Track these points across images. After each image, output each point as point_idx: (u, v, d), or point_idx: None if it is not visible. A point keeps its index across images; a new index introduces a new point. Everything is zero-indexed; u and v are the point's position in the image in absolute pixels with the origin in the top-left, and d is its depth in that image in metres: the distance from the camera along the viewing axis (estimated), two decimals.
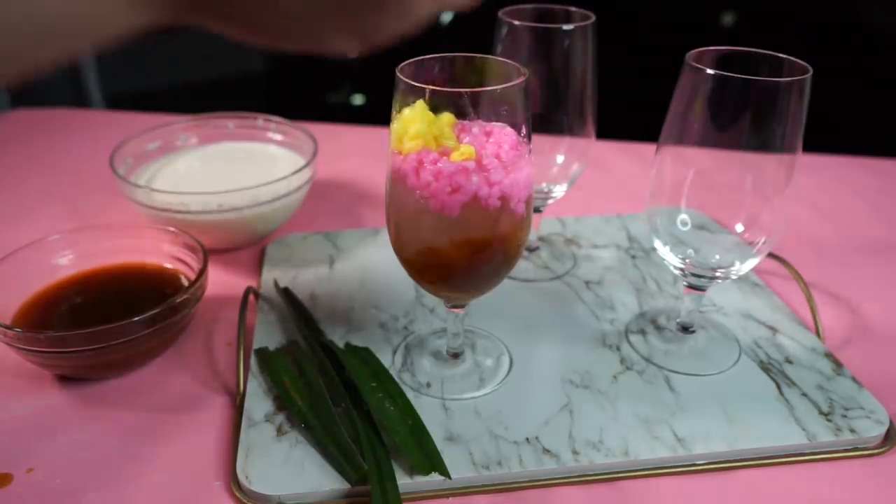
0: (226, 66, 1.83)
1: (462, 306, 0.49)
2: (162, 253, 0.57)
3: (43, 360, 0.48)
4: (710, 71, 0.43)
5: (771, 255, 0.62)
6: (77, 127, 0.97)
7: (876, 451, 0.46)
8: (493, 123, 0.41)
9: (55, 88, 1.74)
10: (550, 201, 0.62)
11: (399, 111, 0.41)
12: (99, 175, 0.78)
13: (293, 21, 0.27)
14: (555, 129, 0.57)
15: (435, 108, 0.40)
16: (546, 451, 0.44)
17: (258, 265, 0.65)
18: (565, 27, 0.53)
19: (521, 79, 0.40)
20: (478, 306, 0.55)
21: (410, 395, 0.48)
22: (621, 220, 0.73)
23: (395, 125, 0.41)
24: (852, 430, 0.46)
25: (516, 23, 0.54)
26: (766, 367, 0.52)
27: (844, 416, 0.47)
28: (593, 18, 0.54)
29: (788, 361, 0.52)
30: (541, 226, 0.69)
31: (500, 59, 0.43)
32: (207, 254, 0.54)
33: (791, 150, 0.45)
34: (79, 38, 0.25)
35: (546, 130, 0.57)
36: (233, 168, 0.71)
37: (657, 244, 0.51)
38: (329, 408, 0.46)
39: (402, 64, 0.41)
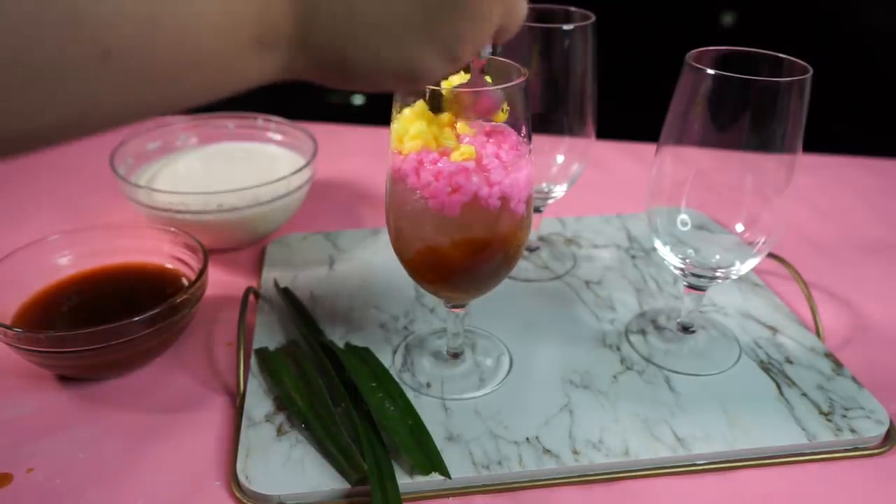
0: None
1: (462, 306, 0.49)
2: (162, 253, 0.57)
3: (43, 360, 0.48)
4: (710, 71, 0.43)
5: (771, 255, 0.62)
6: None
7: (876, 451, 0.46)
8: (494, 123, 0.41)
9: None
10: (550, 201, 0.62)
11: (399, 111, 0.41)
12: (99, 175, 0.78)
13: (385, 44, 0.30)
14: (555, 129, 0.57)
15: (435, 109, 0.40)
16: (546, 451, 0.44)
17: (258, 265, 0.65)
18: (565, 27, 0.53)
19: (522, 79, 0.40)
20: (478, 306, 0.55)
21: (410, 395, 0.48)
22: (621, 220, 0.73)
23: (396, 125, 0.41)
24: (852, 430, 0.46)
25: None
26: (766, 367, 0.52)
27: (844, 416, 0.47)
28: (593, 18, 0.54)
29: (788, 361, 0.52)
30: (541, 226, 0.69)
31: (501, 58, 0.43)
32: (207, 254, 0.54)
33: (791, 150, 0.45)
34: (214, 78, 0.27)
35: (546, 130, 0.57)
36: (233, 168, 0.71)
37: (657, 244, 0.51)
38: (329, 408, 0.46)
39: None
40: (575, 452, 0.44)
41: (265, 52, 0.27)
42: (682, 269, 0.50)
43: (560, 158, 0.59)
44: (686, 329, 0.55)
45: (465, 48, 0.32)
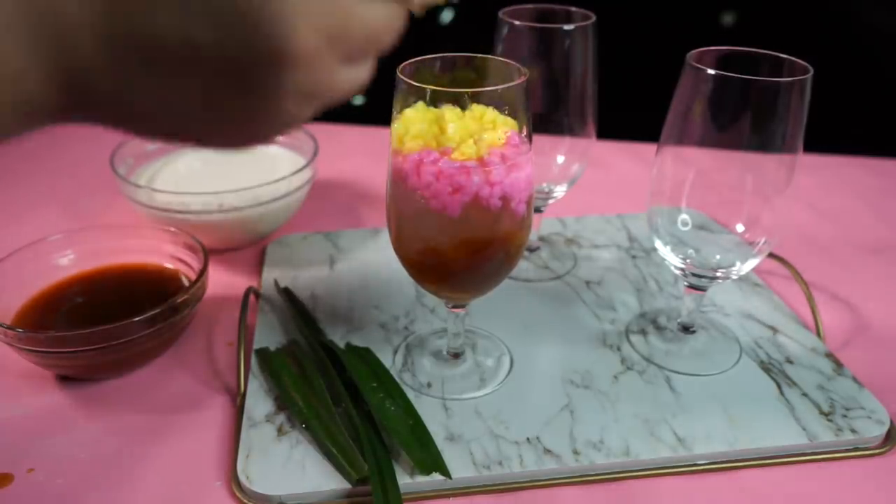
0: None
1: (463, 306, 0.49)
2: (162, 253, 0.57)
3: (44, 361, 0.48)
4: (710, 71, 0.43)
5: (771, 255, 0.62)
6: (77, 127, 0.97)
7: (877, 451, 0.46)
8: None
9: None
10: (551, 201, 0.62)
11: (400, 111, 0.41)
12: (99, 175, 0.78)
13: (182, 130, 0.29)
14: (555, 129, 0.57)
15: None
16: (547, 451, 0.44)
17: (258, 265, 0.65)
18: (566, 27, 0.53)
19: (522, 79, 0.40)
20: (478, 306, 0.55)
21: (411, 395, 0.48)
22: (622, 220, 0.73)
23: (396, 125, 0.41)
24: (853, 430, 0.46)
25: (517, 23, 0.54)
26: (766, 367, 0.52)
27: (845, 416, 0.47)
28: (594, 18, 0.54)
29: (789, 361, 0.52)
30: (541, 226, 0.69)
31: (501, 58, 0.43)
32: (208, 254, 0.54)
33: (791, 151, 0.45)
34: None
35: (546, 130, 0.57)
36: (233, 168, 0.71)
37: (658, 244, 0.51)
38: (330, 408, 0.46)
39: (403, 64, 0.41)
40: (576, 452, 0.44)
41: (33, 119, 0.27)
42: (682, 270, 0.50)
43: (560, 158, 0.59)
44: (686, 329, 0.55)
45: (263, 139, 0.31)
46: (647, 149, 0.60)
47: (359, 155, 0.87)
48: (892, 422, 0.47)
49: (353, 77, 0.31)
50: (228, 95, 0.28)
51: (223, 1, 0.25)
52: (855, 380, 0.50)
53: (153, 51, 0.26)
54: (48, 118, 0.28)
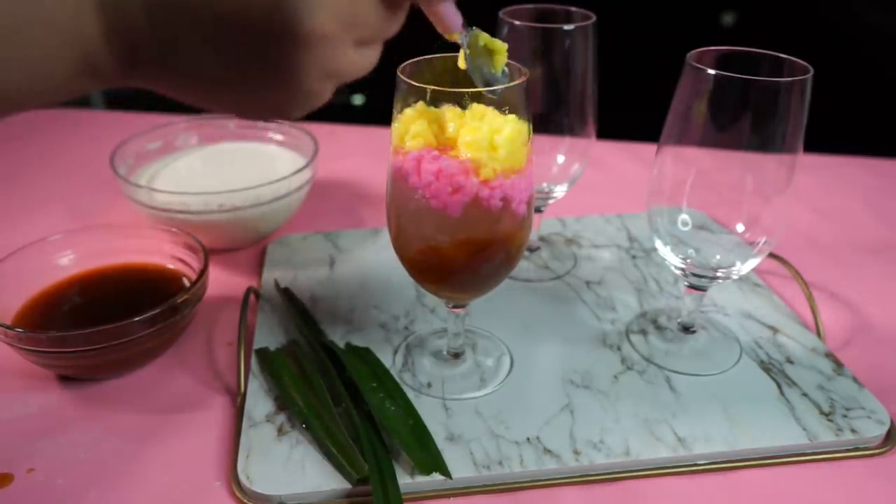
0: None
1: (463, 306, 0.49)
2: (163, 253, 0.57)
3: (44, 360, 0.48)
4: (710, 71, 0.43)
5: (771, 256, 0.62)
6: (77, 127, 0.97)
7: (877, 451, 0.46)
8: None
9: None
10: (551, 201, 0.62)
11: (400, 111, 0.41)
12: (99, 175, 0.78)
13: (217, 95, 0.33)
14: (555, 129, 0.57)
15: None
16: (547, 451, 0.44)
17: (258, 265, 0.65)
18: (566, 27, 0.53)
19: (522, 79, 0.40)
20: (478, 306, 0.55)
21: (411, 395, 0.48)
22: (622, 220, 0.73)
23: (397, 124, 0.41)
24: (853, 430, 0.46)
25: (517, 23, 0.54)
26: (766, 367, 0.52)
27: (845, 416, 0.47)
28: (594, 18, 0.54)
29: (789, 361, 0.52)
30: (541, 226, 0.69)
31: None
32: (208, 254, 0.54)
33: (791, 151, 0.45)
34: (27, 104, 0.30)
35: (547, 130, 0.57)
36: (233, 168, 0.71)
37: (658, 244, 0.51)
38: (330, 408, 0.46)
39: (403, 64, 0.41)
40: (576, 452, 0.44)
41: (85, 80, 0.31)
42: (682, 270, 0.50)
43: (561, 158, 0.59)
44: (687, 329, 0.55)
45: (290, 115, 0.34)
46: (647, 149, 0.60)
47: (359, 155, 0.87)
48: (892, 422, 0.47)
49: (365, 59, 0.35)
50: (252, 66, 0.31)
51: None
52: (855, 380, 0.50)
53: (188, 18, 0.29)
54: (102, 78, 0.31)
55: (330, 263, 0.65)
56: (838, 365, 0.52)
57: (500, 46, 0.40)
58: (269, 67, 0.31)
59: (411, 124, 0.40)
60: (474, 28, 0.39)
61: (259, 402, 0.48)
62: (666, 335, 0.55)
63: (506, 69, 0.41)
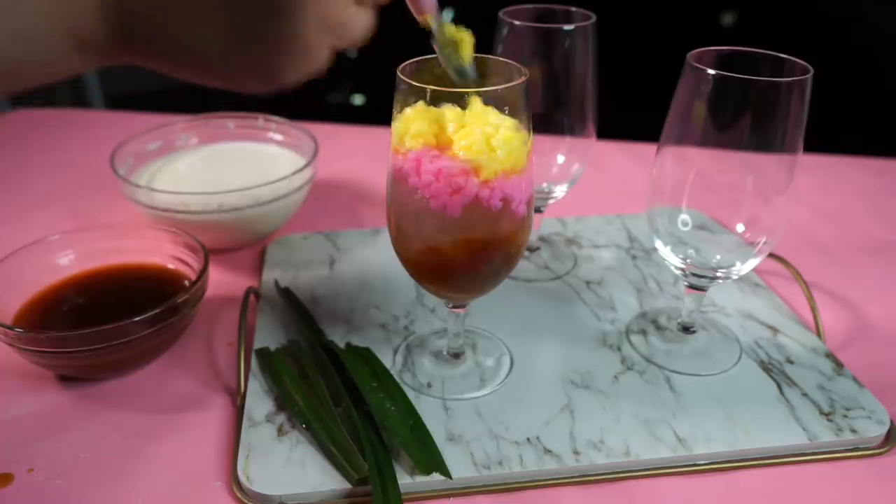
0: None
1: (463, 306, 0.49)
2: (163, 253, 0.57)
3: (44, 360, 0.48)
4: (710, 71, 0.43)
5: (771, 256, 0.62)
6: (77, 127, 0.97)
7: (877, 451, 0.46)
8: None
9: (56, 88, 1.74)
10: (551, 201, 0.62)
11: (400, 111, 0.41)
12: (99, 175, 0.78)
13: (213, 61, 0.31)
14: (555, 129, 0.57)
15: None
16: (547, 451, 0.44)
17: (258, 265, 0.65)
18: (566, 27, 0.53)
19: (522, 79, 0.40)
20: (478, 306, 0.55)
21: (411, 395, 0.48)
22: (622, 220, 0.73)
23: (397, 124, 0.41)
24: (853, 431, 0.46)
25: (517, 23, 0.54)
26: (766, 367, 0.52)
27: (845, 417, 0.47)
28: (594, 18, 0.54)
29: (789, 361, 0.52)
30: (541, 226, 0.69)
31: (501, 59, 0.43)
32: (208, 254, 0.54)
33: (792, 151, 0.45)
34: (28, 79, 0.29)
35: (547, 130, 0.57)
36: (233, 168, 0.71)
37: (658, 244, 0.51)
38: (330, 408, 0.46)
39: (403, 64, 0.41)
40: (576, 452, 0.44)
41: (81, 51, 0.30)
42: (682, 270, 0.50)
43: (561, 158, 0.59)
44: (687, 329, 0.55)
45: (288, 78, 0.33)
46: (647, 149, 0.60)
47: (359, 155, 0.87)
48: (892, 422, 0.47)
49: (362, 19, 0.35)
50: (252, 16, 0.30)
51: None
52: (855, 380, 0.50)
53: None
54: (99, 54, 0.30)
55: (330, 263, 0.65)
56: (838, 365, 0.52)
57: (465, 36, 0.40)
58: (270, 18, 0.30)
59: (411, 124, 0.40)
60: (443, 14, 0.39)
61: (259, 402, 0.48)
62: (666, 335, 0.55)
63: (472, 60, 0.41)
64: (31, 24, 0.28)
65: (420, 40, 0.41)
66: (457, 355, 0.52)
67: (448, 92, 0.39)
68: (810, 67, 0.43)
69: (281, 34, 0.31)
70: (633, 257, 0.66)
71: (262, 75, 0.33)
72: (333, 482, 0.42)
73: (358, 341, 0.54)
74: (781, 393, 0.49)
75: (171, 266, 0.57)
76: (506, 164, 0.40)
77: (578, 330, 0.56)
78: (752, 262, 0.49)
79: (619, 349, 0.54)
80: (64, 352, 0.46)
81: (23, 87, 0.30)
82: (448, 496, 0.42)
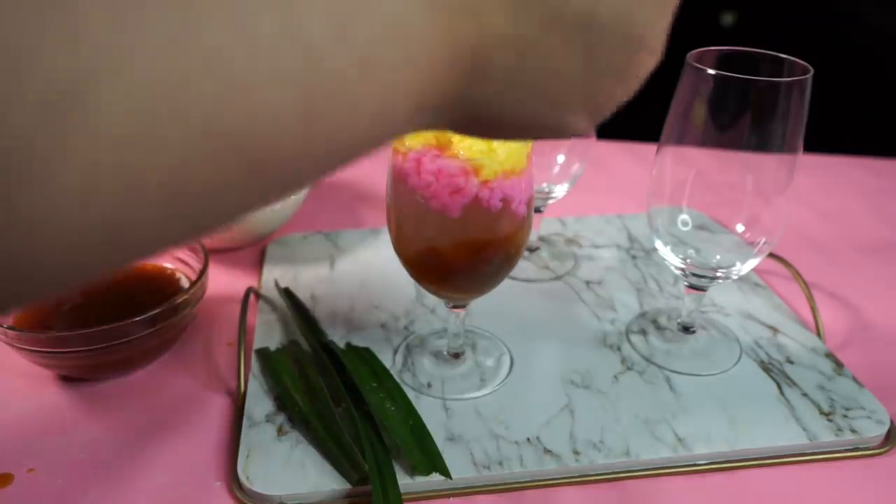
0: None
1: (463, 306, 0.49)
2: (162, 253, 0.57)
3: (44, 360, 0.48)
4: (710, 71, 0.43)
5: (772, 256, 0.62)
6: None
7: (877, 451, 0.46)
8: None
9: None
10: (551, 201, 0.62)
11: None
12: None
13: (544, 105, 0.26)
14: None
15: None
16: (547, 451, 0.44)
17: (258, 265, 0.65)
18: None
19: None
20: (478, 306, 0.55)
21: (411, 395, 0.48)
22: (622, 220, 0.73)
23: None
24: (853, 431, 0.46)
25: None
26: (766, 367, 0.52)
27: (845, 416, 0.47)
28: None
29: (789, 361, 0.52)
30: (541, 226, 0.69)
31: None
32: (208, 254, 0.54)
33: (792, 151, 0.45)
34: (360, 152, 0.22)
35: None
36: None
37: (658, 244, 0.51)
38: (330, 408, 0.46)
39: None
40: (576, 452, 0.44)
41: (418, 117, 0.23)
42: (682, 270, 0.50)
43: (561, 158, 0.59)
44: (687, 329, 0.55)
45: (611, 110, 0.29)
46: (647, 149, 0.60)
47: None
48: (892, 422, 0.47)
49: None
50: (610, 54, 0.25)
51: None
52: (855, 380, 0.50)
53: (557, 7, 0.23)
54: (434, 110, 0.23)
55: (330, 263, 0.65)
56: (838, 365, 0.52)
57: None
58: (624, 56, 0.26)
59: None
60: None
61: (259, 402, 0.48)
62: (666, 335, 0.55)
63: None
64: (382, 80, 0.20)
65: None
66: (457, 355, 0.52)
67: None
68: (810, 67, 0.43)
69: (616, 89, 0.27)
70: (633, 257, 0.66)
71: (594, 113, 0.28)
72: (333, 482, 0.42)
73: (358, 341, 0.54)
74: (781, 393, 0.49)
75: (170, 266, 0.57)
76: (506, 165, 0.40)
77: (578, 330, 0.56)
78: (752, 262, 0.49)
79: (619, 349, 0.54)
80: (64, 352, 0.46)
81: (337, 168, 0.25)
82: (448, 496, 0.42)
